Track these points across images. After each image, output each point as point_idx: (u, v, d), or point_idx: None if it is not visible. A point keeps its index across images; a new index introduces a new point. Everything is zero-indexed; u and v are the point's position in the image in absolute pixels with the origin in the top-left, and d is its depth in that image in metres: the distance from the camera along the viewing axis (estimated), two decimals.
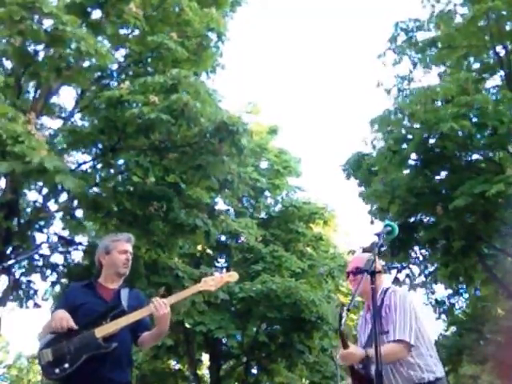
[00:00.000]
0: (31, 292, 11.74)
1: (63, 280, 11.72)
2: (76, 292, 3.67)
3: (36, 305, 11.75)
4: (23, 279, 11.62)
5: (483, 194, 9.87)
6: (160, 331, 3.57)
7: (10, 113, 8.73)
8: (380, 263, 3.63)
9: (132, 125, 10.14)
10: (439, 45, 12.03)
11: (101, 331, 3.41)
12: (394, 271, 13.03)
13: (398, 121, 11.78)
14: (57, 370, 3.39)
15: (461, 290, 15.30)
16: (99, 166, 11.50)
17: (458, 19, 12.18)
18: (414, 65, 12.88)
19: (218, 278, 3.63)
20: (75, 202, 10.88)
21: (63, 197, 10.94)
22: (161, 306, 3.44)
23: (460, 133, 10.87)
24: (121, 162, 11.66)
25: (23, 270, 11.51)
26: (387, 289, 3.51)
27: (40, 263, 11.65)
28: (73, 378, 3.38)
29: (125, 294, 3.63)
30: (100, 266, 3.74)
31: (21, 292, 11.63)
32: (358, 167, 13.06)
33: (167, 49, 10.37)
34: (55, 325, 3.39)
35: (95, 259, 3.79)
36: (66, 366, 3.37)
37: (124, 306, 3.52)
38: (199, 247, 16.74)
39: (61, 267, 11.84)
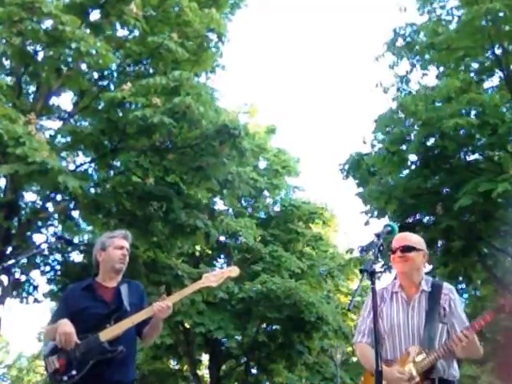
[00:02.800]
0: (31, 288, 11.78)
1: (61, 279, 11.73)
2: (76, 296, 3.64)
3: (36, 300, 11.78)
4: (23, 277, 11.64)
5: (487, 193, 9.83)
6: (158, 329, 3.62)
7: (11, 114, 8.72)
8: (423, 245, 3.54)
9: (133, 126, 10.15)
10: (437, 47, 12.01)
11: (105, 335, 3.40)
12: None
13: (399, 120, 11.76)
14: (65, 378, 3.38)
15: (461, 291, 15.27)
16: (99, 166, 11.51)
17: (455, 22, 12.20)
18: (413, 66, 12.86)
19: (219, 273, 3.62)
20: (74, 203, 10.89)
21: (62, 197, 10.96)
22: (164, 310, 3.45)
23: (461, 132, 10.86)
24: (120, 162, 11.66)
25: (22, 268, 11.51)
26: (438, 281, 3.51)
27: (39, 260, 11.66)
28: (81, 382, 3.37)
29: (125, 291, 3.61)
30: (97, 264, 3.71)
31: (21, 289, 11.66)
32: (357, 167, 13.03)
33: (167, 49, 10.36)
34: (59, 342, 3.37)
35: (92, 258, 3.76)
36: (74, 372, 3.37)
37: (126, 306, 3.51)
38: (198, 247, 16.74)
39: (59, 266, 11.85)
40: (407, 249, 3.37)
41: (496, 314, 3.16)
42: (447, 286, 3.43)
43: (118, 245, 3.69)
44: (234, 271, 3.67)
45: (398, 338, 3.33)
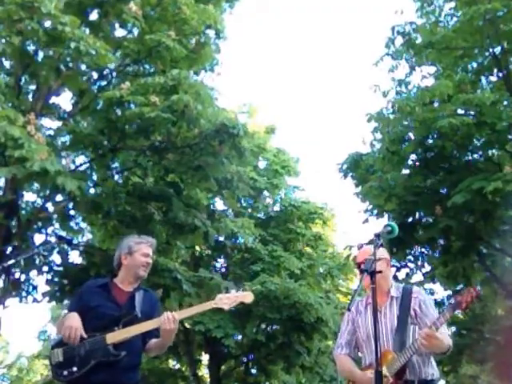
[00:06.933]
0: (30, 288, 11.78)
1: (60, 280, 11.71)
2: (90, 292, 3.65)
3: (35, 300, 11.77)
4: (22, 277, 11.63)
5: (481, 191, 9.84)
6: (164, 343, 3.56)
7: (10, 114, 8.71)
8: (384, 253, 3.61)
9: (132, 125, 10.13)
10: (436, 46, 12.01)
11: (112, 338, 3.40)
12: (393, 269, 12.98)
13: (396, 120, 11.77)
14: (65, 373, 3.39)
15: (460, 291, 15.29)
16: (98, 166, 11.50)
17: (453, 22, 12.22)
18: (412, 68, 12.86)
19: (233, 297, 3.57)
20: (73, 203, 10.89)
21: (61, 198, 10.96)
22: (169, 322, 3.41)
23: (459, 131, 10.87)
24: (120, 162, 11.66)
25: (21, 268, 11.49)
26: (408, 286, 3.62)
27: (38, 261, 11.65)
28: (80, 381, 3.38)
29: (139, 297, 3.61)
30: (119, 266, 3.72)
31: (20, 289, 11.65)
32: (356, 167, 13.05)
33: (165, 47, 10.35)
34: (64, 334, 3.38)
35: (115, 258, 3.76)
36: (74, 369, 3.37)
37: (137, 313, 3.51)
38: (198, 248, 16.73)
39: (57, 267, 11.83)
40: (372, 273, 3.40)
41: (454, 311, 3.27)
42: (416, 289, 3.58)
43: (144, 252, 3.70)
44: (248, 297, 3.58)
45: (374, 345, 3.38)
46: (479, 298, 3.51)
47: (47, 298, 11.92)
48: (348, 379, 3.59)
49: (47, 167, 8.36)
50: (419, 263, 13.24)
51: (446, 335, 3.34)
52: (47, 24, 9.33)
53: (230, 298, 3.55)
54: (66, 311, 3.77)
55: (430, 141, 11.66)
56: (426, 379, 3.37)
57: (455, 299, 3.24)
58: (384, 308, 3.50)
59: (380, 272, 3.18)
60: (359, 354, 3.68)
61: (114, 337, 3.40)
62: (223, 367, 19.23)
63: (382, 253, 3.56)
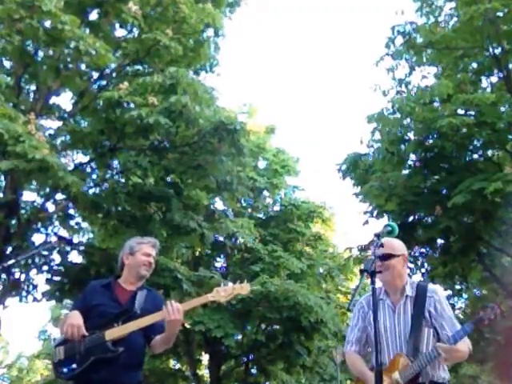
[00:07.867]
0: (30, 287, 11.78)
1: (60, 279, 11.71)
2: (94, 292, 3.71)
3: (35, 299, 11.78)
4: (22, 276, 11.63)
5: (482, 191, 9.84)
6: (169, 336, 3.54)
7: (11, 113, 8.70)
8: (402, 249, 3.50)
9: (131, 126, 10.13)
10: (436, 46, 12.01)
11: (110, 334, 3.43)
12: None
13: (396, 120, 11.76)
14: (65, 370, 3.45)
15: (459, 291, 15.27)
16: (98, 166, 11.50)
17: (453, 22, 12.22)
18: (412, 68, 12.85)
19: (230, 289, 3.57)
20: (73, 203, 10.89)
21: (61, 197, 10.96)
22: (173, 312, 3.40)
23: (459, 131, 10.86)
24: (120, 162, 11.66)
25: (21, 268, 11.49)
26: (423, 283, 3.49)
27: (38, 260, 11.65)
28: (80, 378, 3.42)
29: (141, 296, 3.64)
30: (122, 266, 3.77)
31: (20, 288, 11.66)
32: (355, 168, 13.02)
33: (163, 46, 10.34)
34: (66, 332, 3.42)
35: (118, 259, 3.82)
36: (74, 366, 3.42)
37: (137, 310, 3.53)
38: (198, 248, 16.72)
39: (57, 267, 11.83)
40: (386, 257, 3.31)
41: (475, 326, 3.17)
42: (431, 288, 3.42)
43: (145, 252, 3.74)
44: (245, 289, 3.58)
45: (386, 345, 3.34)
46: (502, 315, 3.36)
47: (47, 298, 11.93)
48: (359, 378, 3.50)
49: (49, 160, 8.38)
50: (419, 263, 13.23)
51: (464, 342, 3.23)
52: (47, 23, 9.32)
53: (226, 291, 3.55)
54: (66, 311, 3.81)
55: (430, 141, 11.65)
56: (437, 382, 3.30)
57: (478, 315, 3.16)
58: (398, 307, 3.39)
59: (380, 272, 3.15)
60: (369, 349, 3.57)
61: (113, 333, 3.43)
62: (223, 367, 19.22)
63: (400, 248, 3.46)
